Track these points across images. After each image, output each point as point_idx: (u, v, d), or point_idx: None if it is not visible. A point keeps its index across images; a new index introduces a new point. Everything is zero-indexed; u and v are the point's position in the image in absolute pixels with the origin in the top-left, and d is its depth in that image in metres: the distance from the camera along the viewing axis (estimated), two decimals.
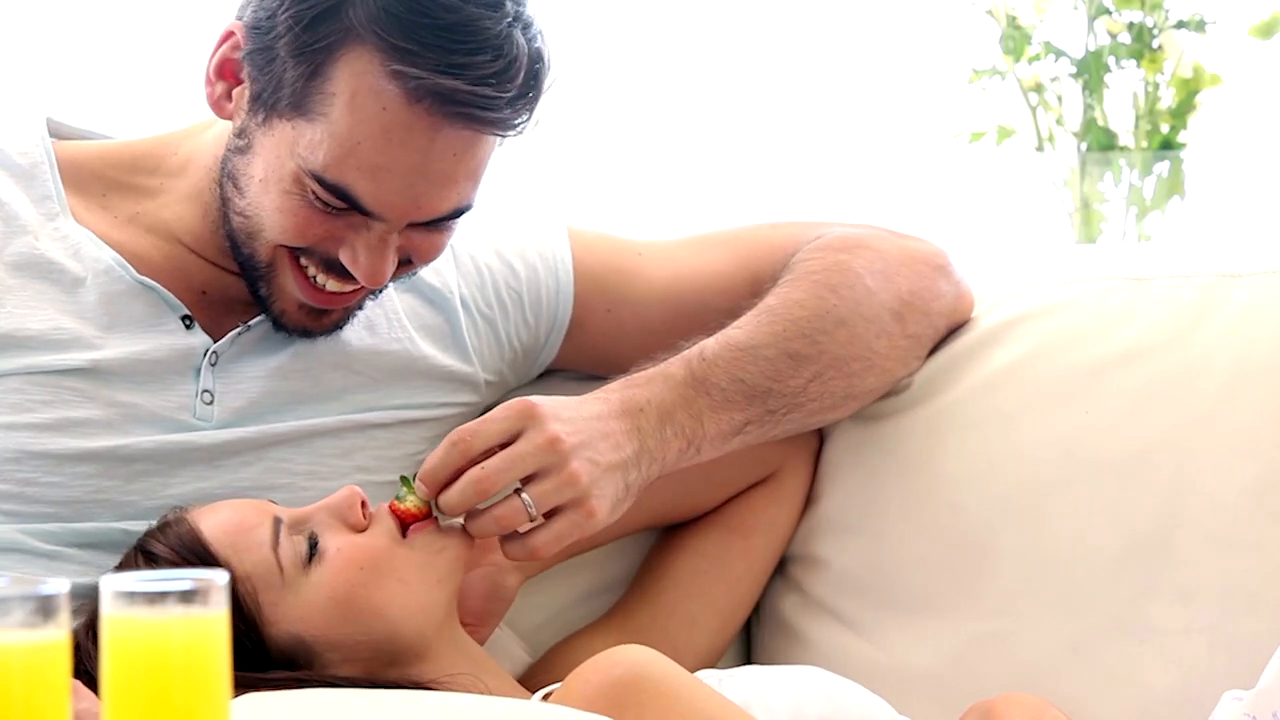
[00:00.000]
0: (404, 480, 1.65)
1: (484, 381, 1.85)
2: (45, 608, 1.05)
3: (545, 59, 1.64)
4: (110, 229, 1.75)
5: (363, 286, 1.70)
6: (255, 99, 1.66)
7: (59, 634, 1.06)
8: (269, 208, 1.66)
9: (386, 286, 1.75)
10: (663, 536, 1.92)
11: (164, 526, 1.62)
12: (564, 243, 1.90)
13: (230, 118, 1.69)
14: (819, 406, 1.81)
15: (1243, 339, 1.83)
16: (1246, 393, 1.80)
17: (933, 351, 1.92)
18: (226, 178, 1.69)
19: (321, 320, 1.74)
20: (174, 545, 1.60)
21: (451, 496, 1.62)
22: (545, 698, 1.56)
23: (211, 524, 1.61)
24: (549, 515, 1.63)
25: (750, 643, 1.96)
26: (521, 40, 1.62)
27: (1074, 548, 1.82)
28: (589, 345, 1.90)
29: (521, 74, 1.62)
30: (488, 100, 1.60)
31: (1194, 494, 1.79)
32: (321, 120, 1.61)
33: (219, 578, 1.07)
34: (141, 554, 1.61)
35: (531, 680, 1.78)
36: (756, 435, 1.78)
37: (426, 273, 1.83)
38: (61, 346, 1.68)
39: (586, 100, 2.97)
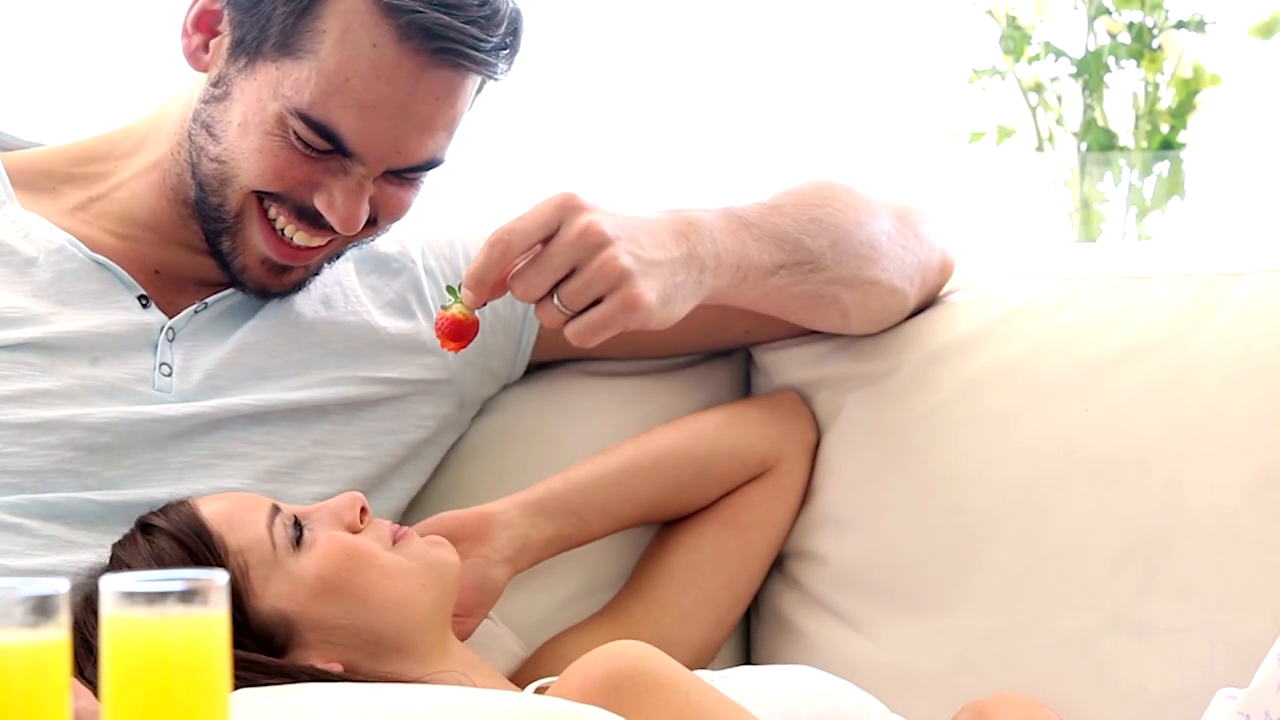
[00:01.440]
0: (450, 290, 1.66)
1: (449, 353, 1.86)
2: (45, 608, 1.05)
3: (523, 20, 1.69)
4: (60, 216, 1.76)
5: (326, 244, 1.72)
6: (236, 45, 1.68)
7: (59, 634, 1.06)
8: (247, 150, 1.68)
9: (343, 254, 1.78)
10: (659, 533, 1.92)
11: (165, 508, 1.64)
12: None
13: (206, 69, 1.71)
14: (835, 276, 1.82)
15: (1243, 338, 1.83)
16: (1246, 391, 1.80)
17: (933, 348, 1.92)
18: (200, 127, 1.71)
19: (281, 278, 1.76)
20: (173, 521, 1.62)
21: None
22: (539, 690, 1.56)
23: (211, 507, 1.63)
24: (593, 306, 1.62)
25: (748, 639, 1.97)
26: None
27: (1073, 545, 1.82)
28: None
29: (505, 22, 1.67)
30: (475, 40, 1.64)
31: (1193, 492, 1.79)
32: (310, 58, 1.64)
33: (219, 578, 1.07)
34: (140, 529, 1.63)
35: (525, 676, 1.79)
36: (788, 283, 1.79)
37: (385, 243, 1.85)
38: (16, 324, 1.69)
39: (585, 100, 2.98)
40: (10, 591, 1.05)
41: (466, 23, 1.64)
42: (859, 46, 3.02)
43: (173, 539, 1.60)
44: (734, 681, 1.62)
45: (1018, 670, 1.81)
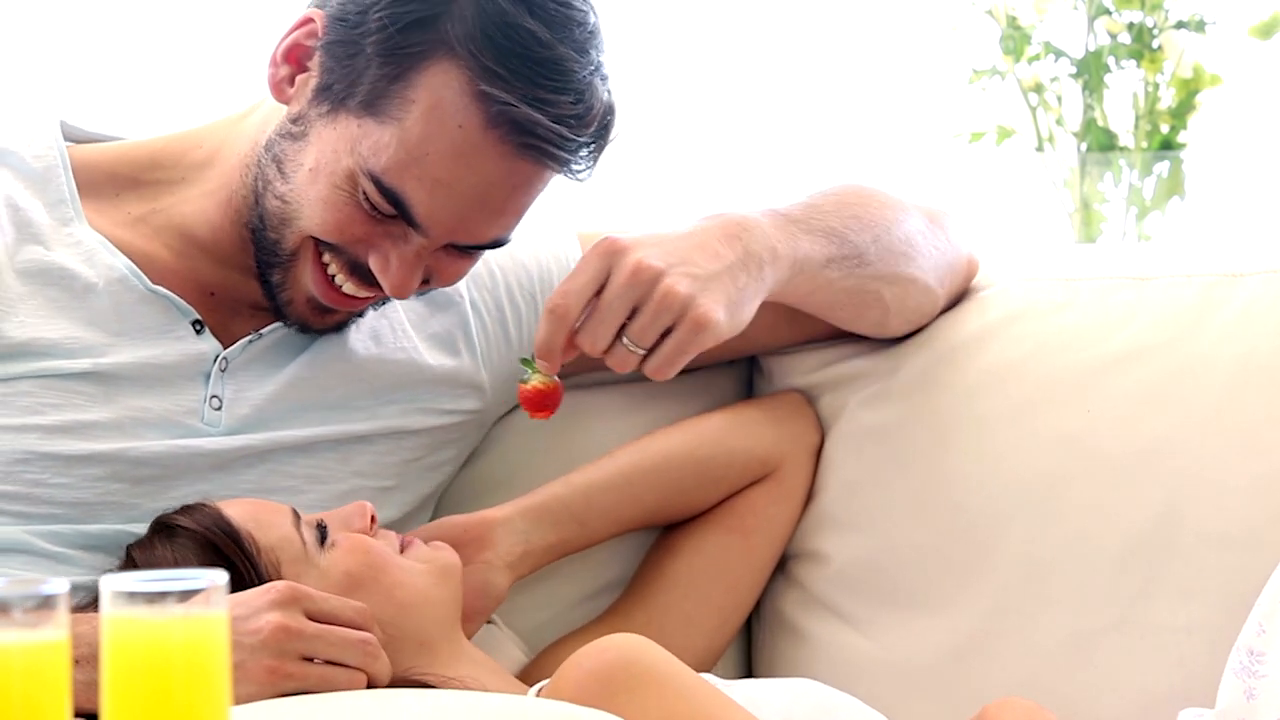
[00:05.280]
0: (525, 362, 1.66)
1: (488, 385, 1.86)
2: (45, 608, 1.05)
3: (615, 115, 1.67)
4: (123, 231, 1.75)
5: (373, 295, 1.70)
6: (323, 89, 1.66)
7: (59, 634, 1.05)
8: (313, 198, 1.66)
9: (390, 300, 1.76)
10: (662, 537, 1.92)
11: (186, 509, 1.65)
12: (575, 244, 1.91)
13: (288, 102, 1.69)
14: (879, 271, 1.82)
15: (1244, 339, 1.83)
16: (1248, 392, 1.80)
17: (936, 350, 1.92)
18: (271, 160, 1.69)
19: (324, 319, 1.75)
20: (198, 520, 1.62)
21: (571, 369, 1.64)
22: (540, 693, 1.57)
23: (235, 508, 1.64)
24: (664, 338, 1.62)
25: (750, 640, 1.97)
26: (601, 91, 1.65)
27: (1075, 546, 1.82)
28: None
29: (596, 123, 1.64)
30: (563, 140, 1.62)
31: (1195, 493, 1.79)
32: (393, 125, 1.62)
33: (219, 578, 1.07)
34: (160, 530, 1.64)
35: (527, 680, 1.79)
36: (837, 277, 1.79)
37: None
38: (73, 353, 1.68)
39: None
40: (10, 591, 1.04)
41: (556, 121, 1.61)
42: (860, 47, 3.02)
43: (200, 538, 1.60)
44: (735, 692, 1.62)
45: (1020, 670, 1.81)
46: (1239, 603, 1.74)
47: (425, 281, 1.70)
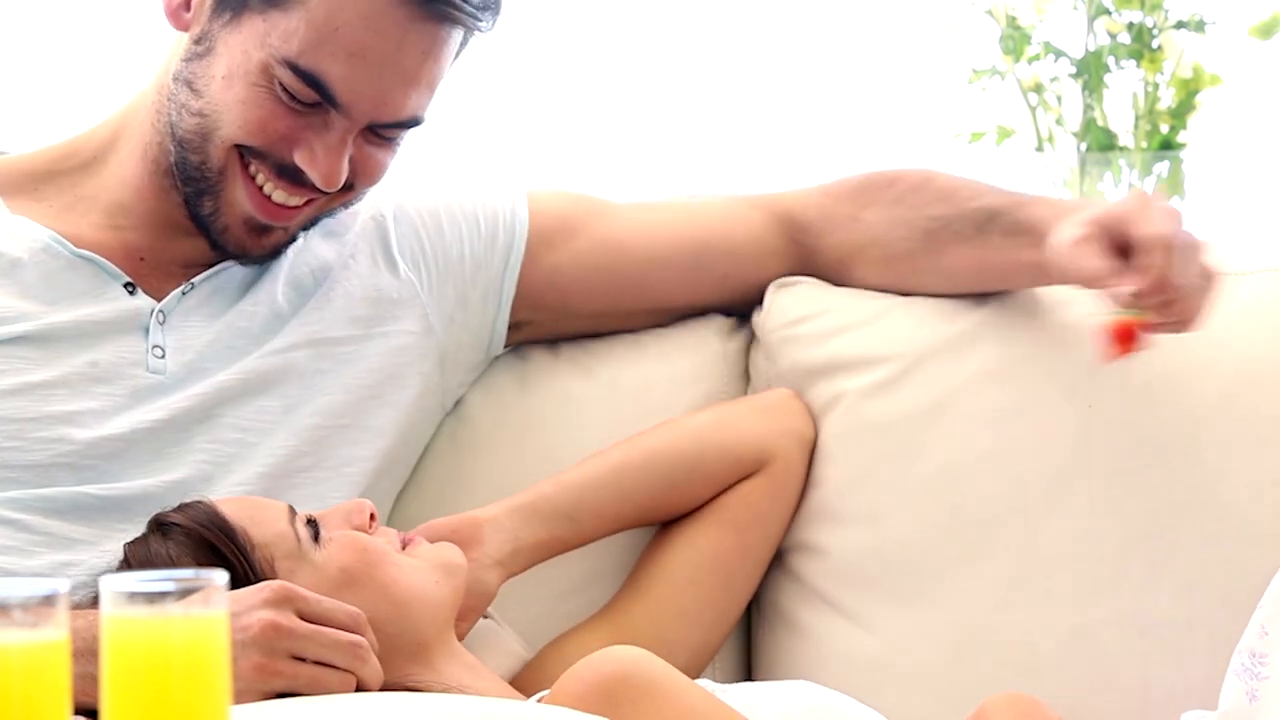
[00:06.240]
0: (1118, 300, 1.67)
1: (425, 300, 1.87)
2: (45, 608, 1.05)
3: None
4: (45, 217, 1.78)
5: (305, 204, 1.73)
6: (220, 1, 1.70)
7: (59, 634, 1.06)
8: (231, 102, 1.70)
9: (319, 220, 1.79)
10: (658, 533, 1.92)
11: (182, 506, 1.65)
12: (523, 200, 1.94)
13: (187, 28, 1.73)
14: None
15: (1245, 337, 1.83)
16: (1248, 389, 1.81)
17: (936, 342, 1.92)
18: (182, 85, 1.73)
19: (261, 240, 1.77)
20: (193, 517, 1.63)
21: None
22: (540, 701, 1.57)
23: (230, 505, 1.65)
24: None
25: (748, 632, 1.96)
26: None
27: (1075, 541, 1.82)
28: (551, 267, 1.92)
29: None
30: None
31: (1196, 489, 1.79)
32: (298, 8, 1.67)
33: (218, 577, 1.07)
34: (156, 528, 1.64)
35: (526, 677, 1.79)
36: None
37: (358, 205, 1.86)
38: (9, 320, 1.71)
39: (576, 97, 2.98)
40: (10, 591, 1.04)
41: None
42: (859, 46, 3.02)
43: (195, 535, 1.61)
44: (732, 696, 1.62)
45: (1018, 665, 1.81)
46: (1239, 600, 1.75)
47: (350, 187, 1.74)
